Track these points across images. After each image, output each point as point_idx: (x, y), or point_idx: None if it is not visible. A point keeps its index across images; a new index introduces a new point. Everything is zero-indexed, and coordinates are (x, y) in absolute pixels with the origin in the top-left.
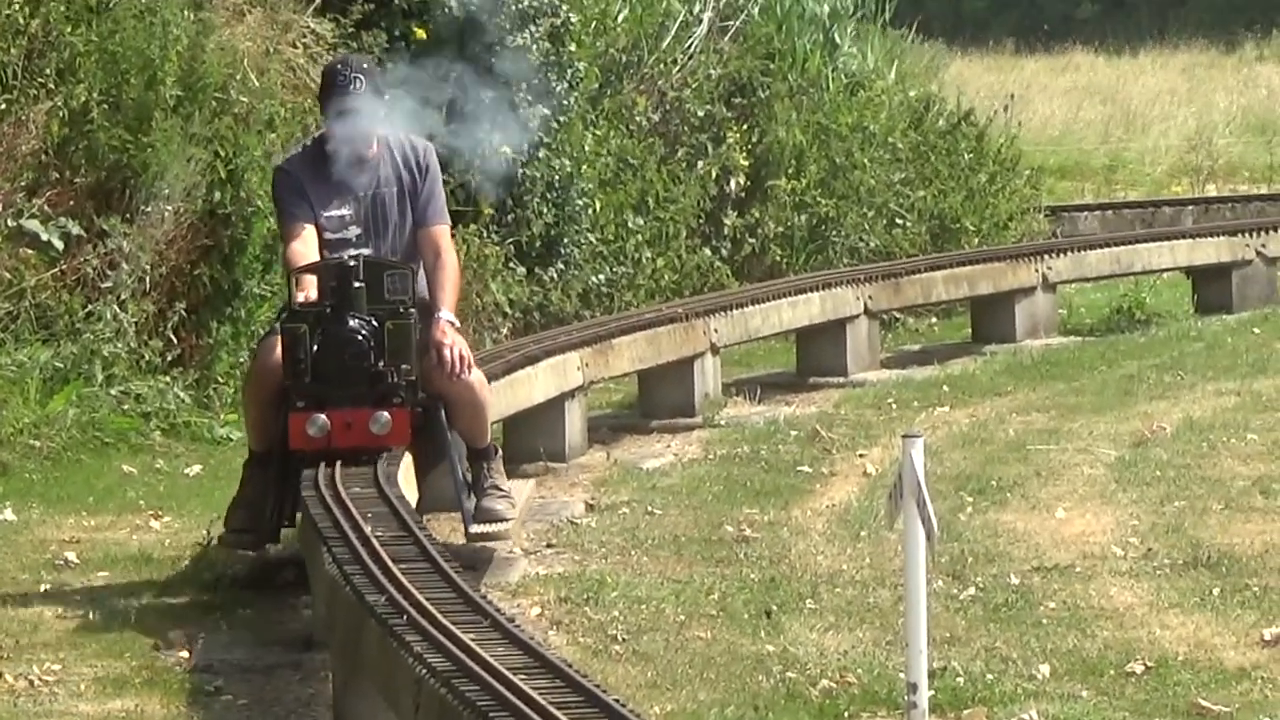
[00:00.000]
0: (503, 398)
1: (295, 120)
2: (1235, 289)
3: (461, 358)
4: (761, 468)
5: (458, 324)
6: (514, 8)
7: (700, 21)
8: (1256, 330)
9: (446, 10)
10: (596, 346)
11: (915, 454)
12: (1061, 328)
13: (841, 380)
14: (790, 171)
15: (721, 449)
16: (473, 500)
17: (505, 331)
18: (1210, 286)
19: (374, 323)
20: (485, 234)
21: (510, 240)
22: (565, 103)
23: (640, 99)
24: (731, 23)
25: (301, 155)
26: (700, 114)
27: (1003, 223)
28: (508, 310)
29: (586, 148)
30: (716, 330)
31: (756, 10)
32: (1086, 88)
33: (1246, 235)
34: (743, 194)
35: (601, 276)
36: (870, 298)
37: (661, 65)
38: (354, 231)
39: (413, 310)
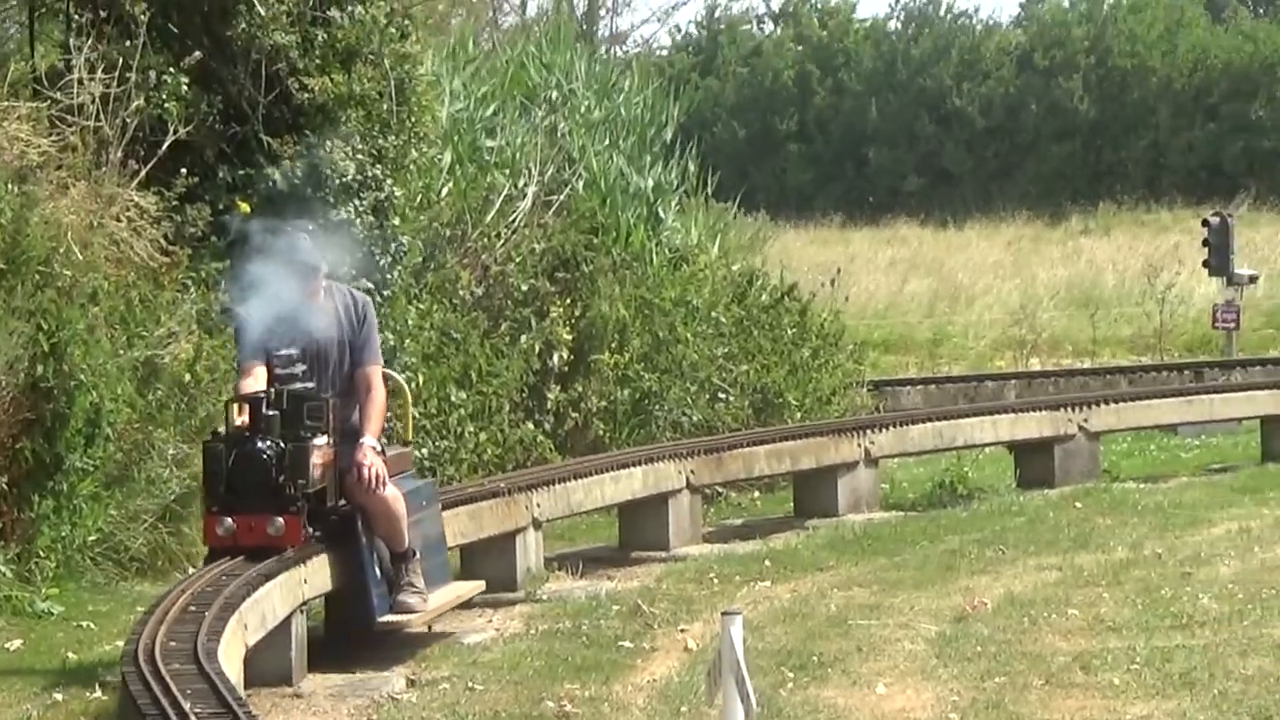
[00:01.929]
0: (322, 573)
1: (119, 294)
2: (1057, 463)
3: (377, 476)
4: (583, 643)
5: (379, 448)
6: (338, 181)
7: (524, 195)
8: (1078, 505)
9: (270, 184)
10: None
11: (734, 631)
12: (884, 502)
13: (664, 554)
14: (614, 345)
15: (543, 624)
16: (383, 592)
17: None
18: (1032, 461)
19: (279, 445)
20: None
21: None
22: (389, 277)
23: (464, 273)
24: (555, 197)
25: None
26: (524, 288)
27: (825, 397)
28: None
29: (410, 322)
30: (539, 505)
31: (580, 185)
32: (912, 260)
33: (1069, 410)
34: (566, 368)
35: (424, 450)
36: (693, 472)
37: (485, 239)
38: (299, 368)
39: (318, 436)
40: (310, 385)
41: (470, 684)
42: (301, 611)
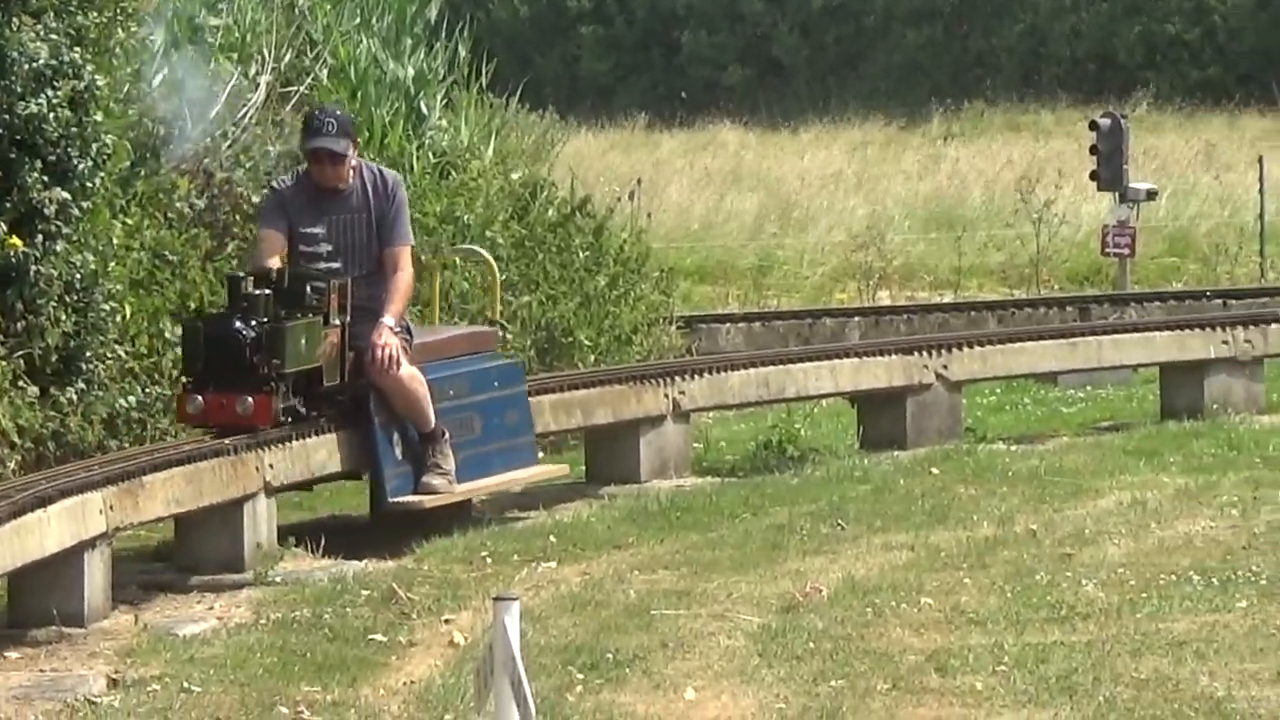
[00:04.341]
0: (7, 548)
1: None
2: (910, 420)
3: (390, 356)
4: (325, 636)
5: (397, 328)
6: (26, 67)
7: (256, 86)
8: (935, 470)
9: None
10: (124, 485)
11: (509, 621)
12: (696, 466)
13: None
14: None
15: (276, 612)
16: (402, 472)
17: (13, 465)
18: (880, 417)
19: (256, 325)
20: None
21: (20, 354)
22: (89, 185)
23: (182, 181)
24: (294, 88)
25: (292, 181)
26: (255, 199)
27: (625, 336)
28: (16, 439)
29: (115, 240)
30: (271, 465)
31: (325, 73)
32: (733, 171)
33: (925, 354)
34: None
35: (132, 399)
36: None
37: (209, 139)
38: (325, 248)
39: (316, 315)
40: (335, 265)
41: (186, 684)
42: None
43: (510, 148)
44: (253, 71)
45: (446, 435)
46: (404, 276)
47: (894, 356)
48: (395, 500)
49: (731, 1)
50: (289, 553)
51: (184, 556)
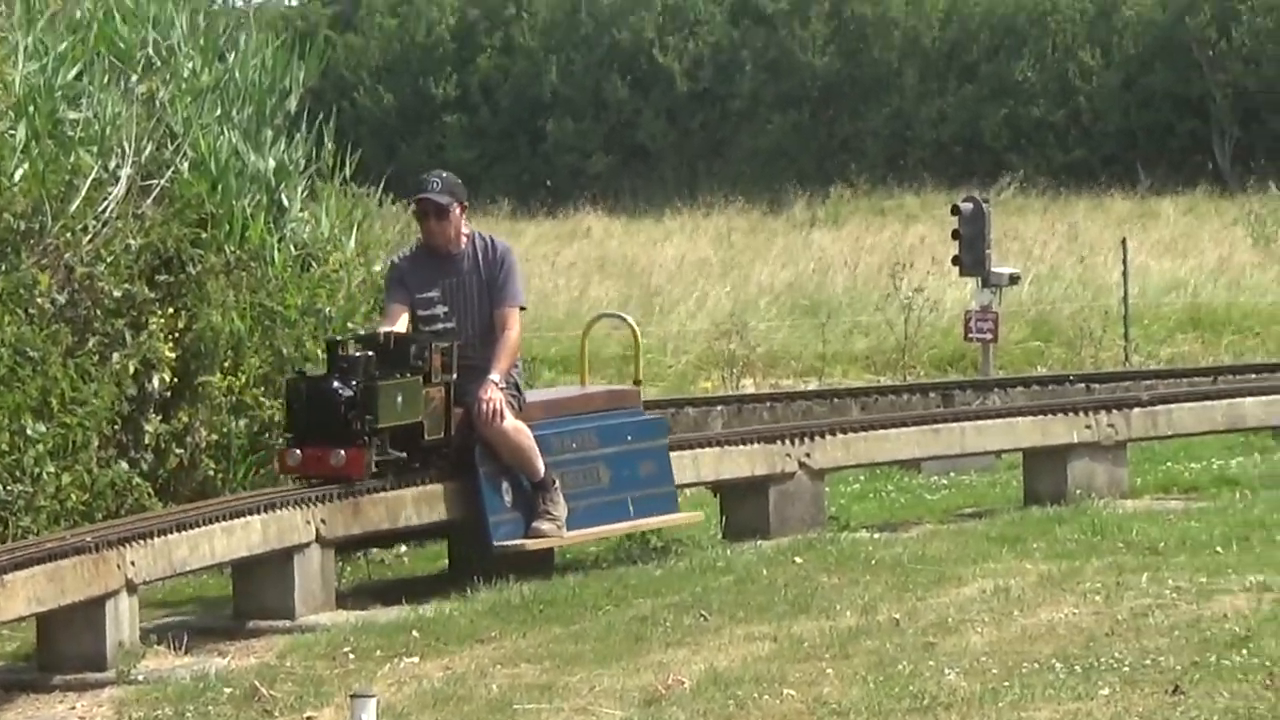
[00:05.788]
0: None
1: None
2: (773, 508)
3: (495, 410)
4: None
5: (502, 384)
6: None
7: (117, 180)
8: (798, 560)
9: None
10: None
11: (366, 718)
12: (560, 558)
13: (288, 624)
14: (227, 365)
15: (138, 711)
16: (507, 519)
17: None
18: (742, 505)
19: (353, 384)
20: None
21: None
22: None
23: (42, 276)
24: (155, 181)
25: (410, 251)
26: (116, 294)
27: None
28: None
29: None
30: (134, 563)
31: (185, 166)
32: (598, 258)
33: (787, 442)
34: (168, 393)
35: None
36: (324, 521)
37: (69, 234)
38: (440, 310)
39: (387, 376)
40: (450, 325)
41: None
42: None
43: (373, 238)
44: (113, 164)
45: (556, 483)
46: (511, 335)
47: (756, 445)
48: (500, 544)
49: (596, 89)
50: (152, 650)
51: (46, 655)
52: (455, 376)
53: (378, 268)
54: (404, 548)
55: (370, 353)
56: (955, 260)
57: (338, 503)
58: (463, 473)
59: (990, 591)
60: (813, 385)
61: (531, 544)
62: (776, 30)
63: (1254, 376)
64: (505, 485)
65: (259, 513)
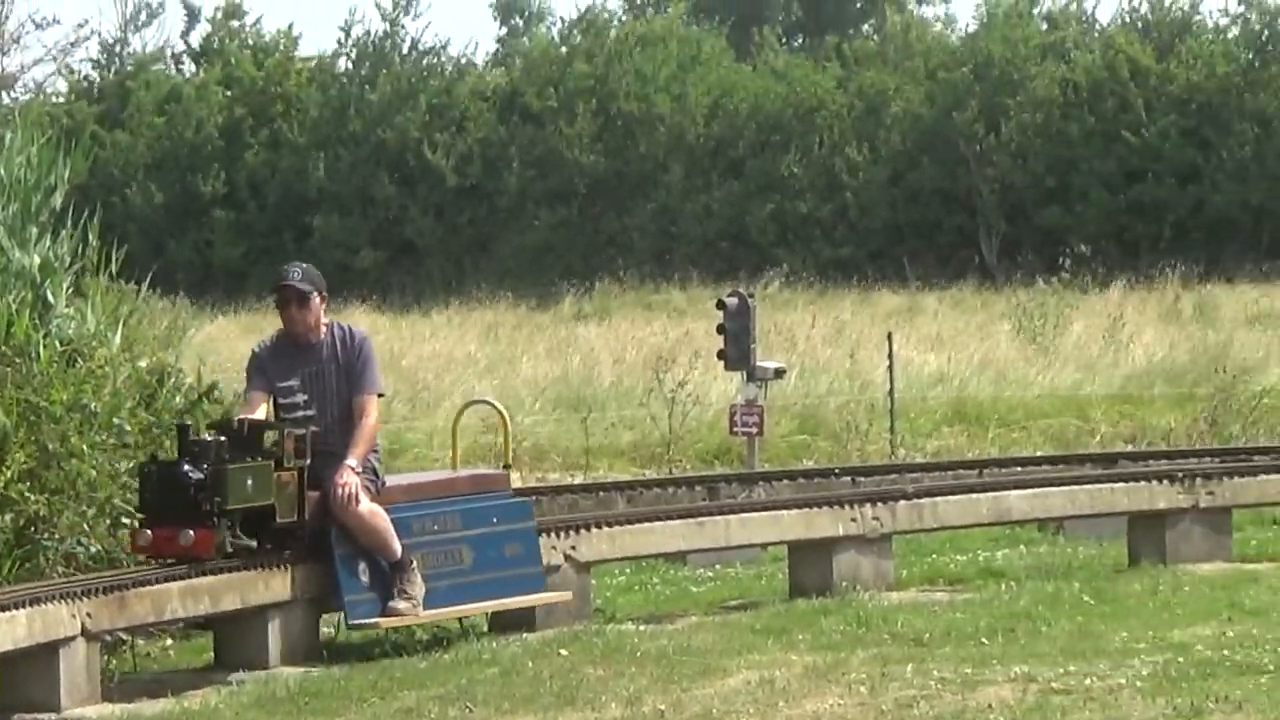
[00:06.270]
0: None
1: None
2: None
3: (350, 494)
4: None
5: (359, 468)
6: None
7: None
8: (564, 652)
9: None
10: None
11: None
12: (325, 651)
13: (54, 717)
14: None
15: None
16: (363, 598)
17: None
18: None
19: (203, 467)
20: None
21: None
22: None
23: None
24: None
25: (271, 341)
26: None
27: None
28: None
29: None
30: None
31: None
32: None
33: (552, 535)
34: None
35: None
36: (89, 615)
37: None
38: (300, 398)
39: (237, 460)
40: (310, 413)
41: None
42: None
43: (139, 334)
44: None
45: (413, 564)
46: (368, 422)
47: None
48: (355, 623)
49: (363, 185)
50: None
51: None
52: (309, 461)
53: (143, 362)
54: (170, 640)
55: (222, 438)
56: (721, 355)
57: (104, 596)
58: (319, 555)
59: (755, 683)
60: (579, 479)
61: (387, 622)
62: (543, 127)
63: (1019, 469)
64: (362, 566)
65: (22, 607)
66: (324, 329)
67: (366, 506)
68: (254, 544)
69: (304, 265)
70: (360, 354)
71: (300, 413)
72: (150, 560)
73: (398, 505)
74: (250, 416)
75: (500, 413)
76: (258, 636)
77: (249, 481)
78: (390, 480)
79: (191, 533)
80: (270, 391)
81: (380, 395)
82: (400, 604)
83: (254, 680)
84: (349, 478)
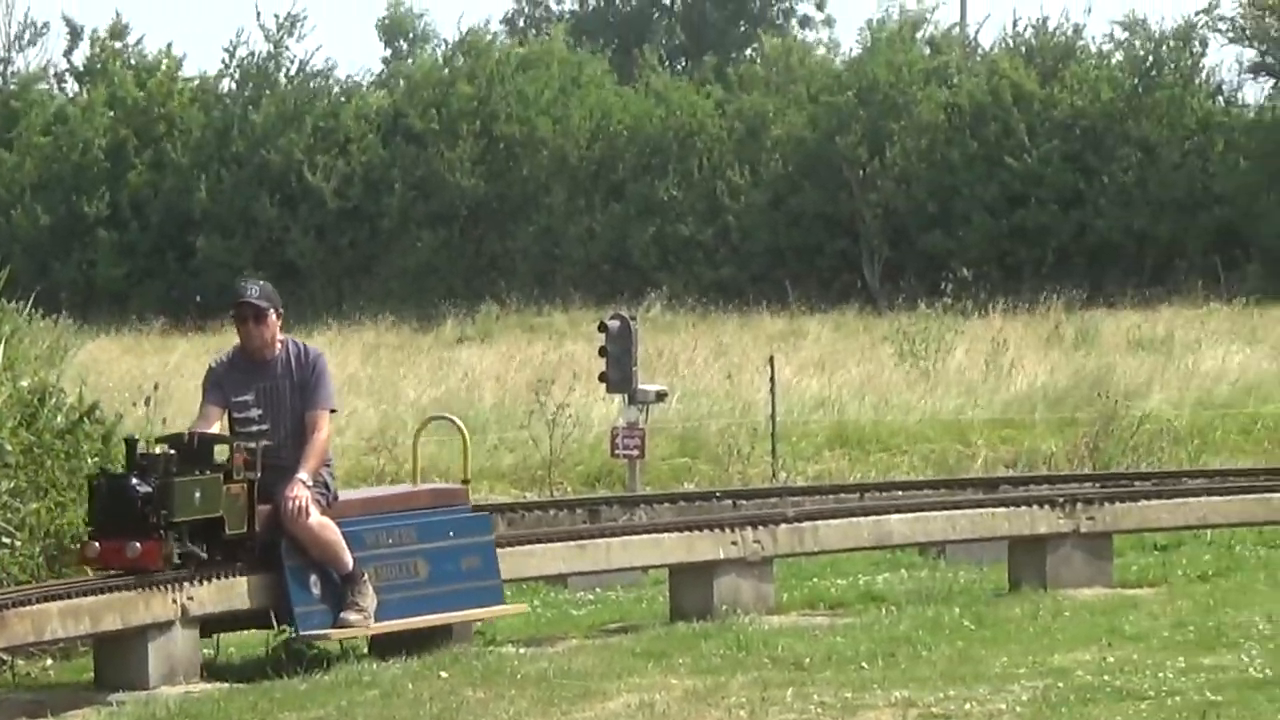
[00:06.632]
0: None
1: None
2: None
3: (300, 507)
4: None
5: (310, 482)
6: None
7: None
8: (444, 674)
9: None
10: None
11: None
12: (205, 671)
13: None
14: None
15: None
16: (314, 610)
17: None
18: None
19: (150, 480)
20: None
21: None
22: None
23: None
24: None
25: (228, 355)
26: None
27: None
28: None
29: None
30: None
31: None
32: None
33: None
34: None
35: None
36: None
37: None
38: (255, 413)
39: (185, 473)
40: (264, 428)
41: None
42: None
43: (21, 354)
44: None
45: (364, 576)
46: (320, 437)
47: None
48: (306, 633)
49: (245, 207)
50: None
51: None
52: (259, 474)
53: (24, 382)
54: (50, 661)
55: (171, 451)
56: (602, 377)
57: None
58: (269, 566)
59: (635, 706)
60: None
61: (338, 634)
62: (426, 149)
63: (900, 494)
64: (313, 578)
65: None
66: (279, 345)
67: (317, 519)
68: (204, 554)
69: (261, 282)
70: (314, 370)
71: (255, 427)
72: (100, 572)
73: (351, 519)
74: (201, 430)
75: (460, 430)
76: (138, 657)
77: (197, 494)
78: (349, 494)
79: (138, 545)
80: (225, 406)
81: (333, 411)
82: (351, 615)
83: (134, 701)
84: (299, 491)
